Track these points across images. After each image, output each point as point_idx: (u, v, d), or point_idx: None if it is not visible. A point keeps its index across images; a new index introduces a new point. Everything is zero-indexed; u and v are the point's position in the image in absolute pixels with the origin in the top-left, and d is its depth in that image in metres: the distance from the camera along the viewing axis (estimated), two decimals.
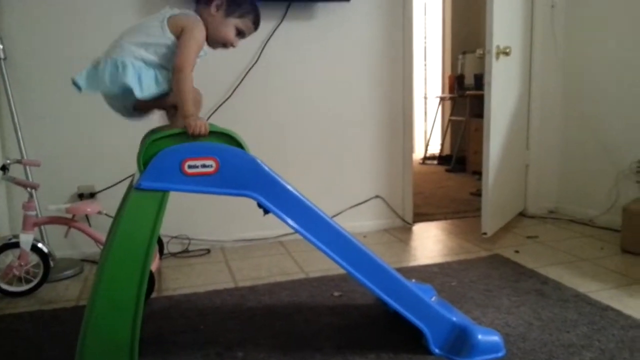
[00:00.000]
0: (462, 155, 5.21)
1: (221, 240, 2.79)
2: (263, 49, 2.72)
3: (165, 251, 2.59)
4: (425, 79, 6.44)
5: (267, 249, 2.74)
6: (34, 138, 2.47)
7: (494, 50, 2.59)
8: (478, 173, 4.05)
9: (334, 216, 2.88)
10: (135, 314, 1.37)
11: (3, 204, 2.47)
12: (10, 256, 2.18)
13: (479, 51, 2.93)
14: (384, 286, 1.52)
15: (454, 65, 5.64)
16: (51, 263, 2.23)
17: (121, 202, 1.64)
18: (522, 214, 3.28)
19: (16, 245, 2.13)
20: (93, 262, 2.51)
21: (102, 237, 2.09)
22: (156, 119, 1.67)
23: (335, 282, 2.17)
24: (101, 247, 2.11)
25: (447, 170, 5.21)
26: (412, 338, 1.61)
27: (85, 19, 2.48)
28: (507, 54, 2.67)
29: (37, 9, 2.42)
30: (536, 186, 3.28)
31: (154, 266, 2.07)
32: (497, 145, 2.76)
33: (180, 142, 1.42)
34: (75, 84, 1.48)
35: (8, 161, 2.19)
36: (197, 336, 1.73)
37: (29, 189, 2.21)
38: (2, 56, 2.38)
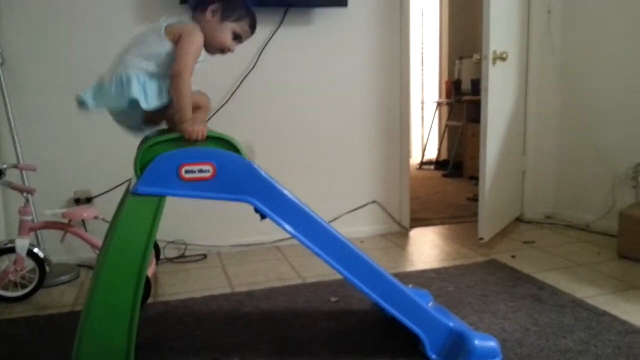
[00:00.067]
0: (459, 160, 5.22)
1: (218, 246, 2.78)
2: (261, 54, 2.72)
3: (162, 256, 2.59)
4: (423, 84, 6.46)
5: (264, 254, 2.73)
6: (30, 143, 2.47)
7: (491, 56, 2.60)
8: (475, 178, 4.05)
9: (331, 221, 2.88)
10: (131, 320, 1.37)
11: None
12: (6, 261, 2.17)
13: (476, 57, 2.95)
14: (381, 292, 1.52)
15: (451, 71, 5.66)
16: (47, 268, 2.22)
17: (118, 207, 1.63)
18: (519, 220, 3.28)
19: (12, 250, 2.12)
20: (89, 267, 2.50)
21: (99, 242, 2.08)
22: None
23: (333, 287, 2.17)
24: (97, 252, 2.10)
25: (444, 176, 5.21)
26: (409, 344, 1.61)
27: (83, 24, 2.48)
28: (504, 59, 2.69)
29: (34, 13, 2.43)
30: (533, 191, 3.29)
31: (150, 271, 2.06)
32: (494, 151, 2.77)
33: (177, 147, 1.42)
34: (81, 102, 1.46)
35: (4, 166, 2.18)
36: (194, 342, 1.72)
37: (25, 194, 2.20)
38: (0, 61, 2.38)
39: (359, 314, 1.92)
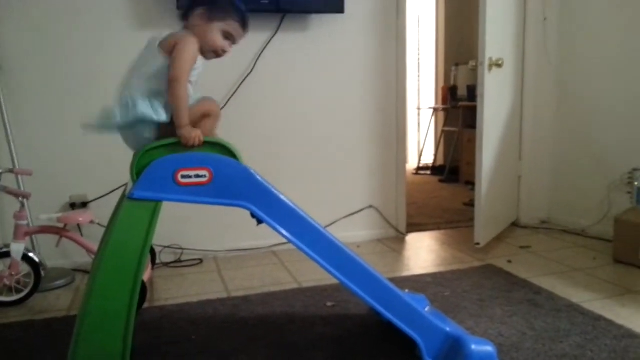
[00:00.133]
0: (455, 165, 5.23)
1: (214, 250, 2.78)
2: (257, 59, 2.73)
3: (158, 261, 2.58)
4: (419, 90, 6.47)
5: (260, 258, 2.73)
6: (26, 147, 2.46)
7: (487, 62, 2.61)
8: (471, 183, 4.07)
9: (328, 226, 2.88)
10: (127, 324, 1.36)
11: None
12: (1, 266, 2.17)
13: (472, 63, 2.97)
14: (377, 296, 1.52)
15: (447, 77, 5.68)
16: (42, 273, 2.21)
17: (114, 211, 1.63)
18: (514, 224, 3.29)
19: (7, 254, 2.11)
20: (85, 271, 2.49)
21: (94, 246, 2.08)
22: None
23: (329, 292, 2.17)
24: (93, 256, 2.10)
25: (440, 181, 5.22)
26: (406, 348, 1.60)
27: (79, 29, 2.48)
28: (499, 66, 2.70)
29: (31, 18, 2.43)
30: (529, 196, 3.30)
31: (146, 276, 2.06)
32: (489, 156, 2.78)
33: (173, 152, 1.42)
34: (91, 126, 1.47)
35: (0, 170, 2.18)
36: (190, 346, 1.72)
37: (20, 198, 2.19)
38: None
39: (356, 319, 1.91)
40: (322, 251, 1.49)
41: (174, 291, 2.28)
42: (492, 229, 2.92)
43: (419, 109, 6.49)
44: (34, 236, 2.42)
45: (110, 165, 2.44)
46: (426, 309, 1.67)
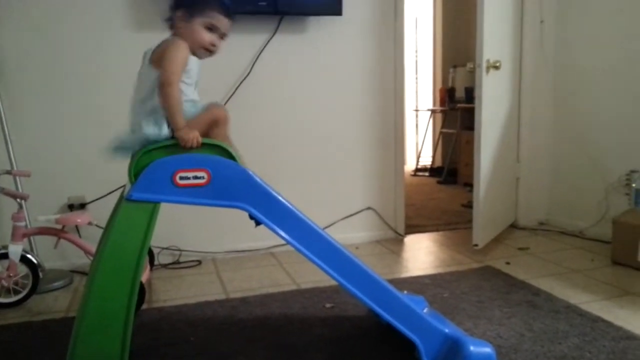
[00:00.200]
0: (453, 167, 5.24)
1: (212, 252, 2.77)
2: (255, 61, 2.73)
3: (156, 262, 2.58)
4: (417, 91, 6.48)
5: (259, 260, 2.73)
6: (24, 148, 2.46)
7: (484, 64, 2.62)
8: (469, 185, 4.07)
9: (326, 227, 2.88)
10: (125, 326, 1.36)
11: None
12: None
13: (470, 65, 2.97)
14: (375, 297, 1.52)
15: (445, 79, 5.69)
16: (40, 274, 2.21)
17: (112, 213, 1.63)
18: (513, 226, 3.29)
19: (5, 256, 2.11)
20: (83, 273, 2.49)
21: (92, 248, 2.08)
22: None
23: (327, 293, 2.17)
24: (91, 258, 2.09)
25: (438, 182, 5.22)
26: (405, 350, 1.60)
27: (79, 29, 2.48)
28: (497, 68, 2.70)
29: (31, 18, 2.42)
30: (527, 198, 3.30)
31: (144, 277, 2.06)
32: (487, 158, 2.78)
33: (172, 153, 1.42)
34: (107, 152, 1.52)
35: None
36: (188, 348, 1.72)
37: (18, 199, 2.19)
38: None
39: (354, 320, 1.91)
40: (321, 253, 1.49)
41: (172, 292, 2.27)
42: (491, 231, 2.93)
43: (417, 110, 6.50)
44: (31, 237, 2.41)
45: (108, 166, 2.43)
46: (425, 311, 1.67)
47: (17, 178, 2.37)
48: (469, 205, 3.64)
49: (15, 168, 2.38)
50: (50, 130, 2.50)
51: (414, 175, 5.80)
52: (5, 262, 2.12)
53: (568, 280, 2.30)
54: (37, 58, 2.45)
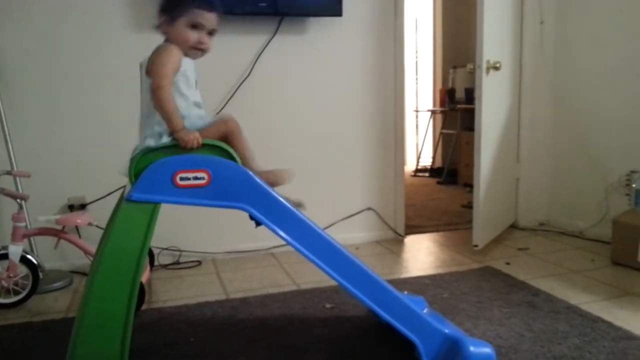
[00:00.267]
0: (453, 168, 5.24)
1: (212, 252, 2.77)
2: (255, 62, 2.73)
3: (156, 263, 2.58)
4: (417, 92, 6.48)
5: (259, 260, 2.73)
6: (24, 149, 2.46)
7: (484, 65, 2.62)
8: (469, 185, 4.07)
9: (326, 228, 2.88)
10: (125, 326, 1.36)
11: None
12: None
13: (470, 66, 2.97)
14: (375, 298, 1.52)
15: (445, 79, 5.69)
16: (40, 274, 2.21)
17: (112, 213, 1.63)
18: (513, 226, 3.29)
19: (5, 256, 2.11)
20: (83, 273, 2.49)
21: (92, 248, 2.08)
22: None
23: (327, 294, 2.17)
24: (91, 258, 2.09)
25: (438, 183, 5.22)
26: (404, 350, 1.60)
27: (79, 29, 2.48)
28: (497, 68, 2.71)
29: (28, 21, 2.42)
30: (527, 199, 3.30)
31: (144, 278, 2.06)
32: (487, 158, 2.79)
33: (172, 154, 1.42)
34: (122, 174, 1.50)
35: None
36: (188, 348, 1.72)
37: (18, 200, 2.19)
38: None
39: (354, 320, 1.91)
40: (321, 253, 1.49)
41: (172, 293, 2.27)
42: (491, 231, 2.93)
43: (417, 111, 6.50)
44: (32, 238, 2.41)
45: (108, 167, 2.44)
46: (425, 311, 1.67)
47: (17, 178, 2.37)
48: (469, 206, 3.64)
49: (15, 168, 2.38)
50: (50, 130, 2.51)
51: (414, 175, 5.80)
52: (5, 263, 2.12)
53: (568, 280, 2.30)
54: (37, 58, 2.45)
